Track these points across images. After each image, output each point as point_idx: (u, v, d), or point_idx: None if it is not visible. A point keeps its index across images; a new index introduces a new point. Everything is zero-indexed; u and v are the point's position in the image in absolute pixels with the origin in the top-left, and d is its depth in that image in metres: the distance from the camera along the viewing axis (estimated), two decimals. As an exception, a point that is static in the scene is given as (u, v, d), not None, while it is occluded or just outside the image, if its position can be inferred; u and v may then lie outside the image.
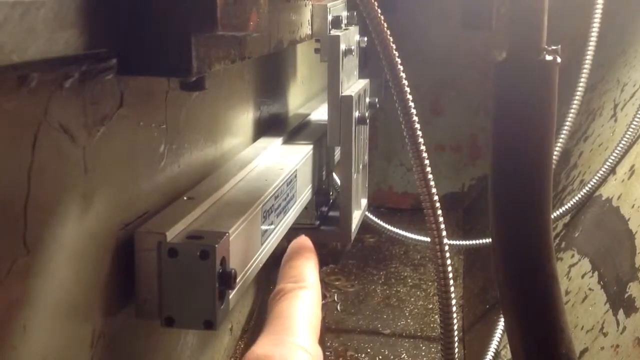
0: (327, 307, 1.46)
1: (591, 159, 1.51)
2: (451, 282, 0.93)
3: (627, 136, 1.34)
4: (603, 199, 1.31)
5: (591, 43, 1.53)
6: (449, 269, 0.91)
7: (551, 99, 0.60)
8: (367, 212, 1.38)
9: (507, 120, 0.61)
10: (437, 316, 1.66)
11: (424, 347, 1.50)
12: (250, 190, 0.87)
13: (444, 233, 0.91)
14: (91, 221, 0.62)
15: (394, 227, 1.75)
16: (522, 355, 0.61)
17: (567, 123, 1.52)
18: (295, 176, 1.00)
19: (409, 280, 1.86)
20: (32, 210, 0.53)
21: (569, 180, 1.56)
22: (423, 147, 0.89)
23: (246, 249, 0.78)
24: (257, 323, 1.02)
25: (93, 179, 0.62)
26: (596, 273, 1.12)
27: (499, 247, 0.63)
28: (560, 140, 1.51)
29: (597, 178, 1.35)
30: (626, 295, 0.97)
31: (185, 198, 0.78)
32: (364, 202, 1.30)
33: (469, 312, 1.61)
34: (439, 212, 0.90)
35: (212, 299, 0.67)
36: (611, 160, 1.34)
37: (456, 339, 0.93)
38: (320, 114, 1.36)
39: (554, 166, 1.46)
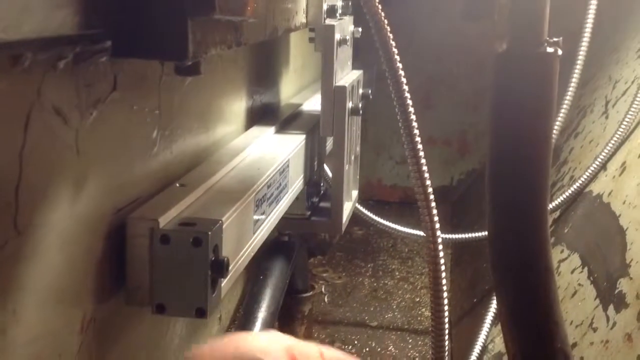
0: (314, 299, 1.46)
1: (582, 155, 1.51)
2: (443, 274, 0.92)
3: (619, 133, 1.34)
4: (594, 194, 1.31)
5: (584, 40, 1.52)
6: (442, 261, 0.91)
7: (551, 92, 0.59)
8: (356, 205, 1.38)
9: (506, 112, 0.61)
10: (424, 309, 1.66)
11: (410, 340, 1.50)
12: (243, 178, 0.86)
13: (437, 225, 0.91)
14: (83, 205, 0.61)
15: (382, 219, 1.74)
16: (516, 348, 0.61)
17: (559, 119, 1.52)
18: (288, 166, 1.00)
19: (397, 273, 1.86)
20: (23, 192, 0.52)
21: (559, 176, 1.56)
22: (418, 139, 0.89)
23: (238, 237, 0.77)
24: (245, 312, 1.01)
25: (85, 162, 0.61)
26: (586, 268, 1.11)
27: (495, 239, 0.63)
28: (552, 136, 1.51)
29: (587, 174, 1.35)
30: (616, 291, 0.97)
31: (177, 185, 0.77)
32: (354, 193, 1.30)
33: (456, 305, 1.61)
34: (433, 204, 0.89)
35: (204, 286, 0.67)
36: (602, 157, 1.34)
37: (447, 331, 0.93)
38: (312, 104, 1.35)
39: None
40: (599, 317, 0.97)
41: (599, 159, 1.35)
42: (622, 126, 1.34)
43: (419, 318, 1.61)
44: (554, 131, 1.50)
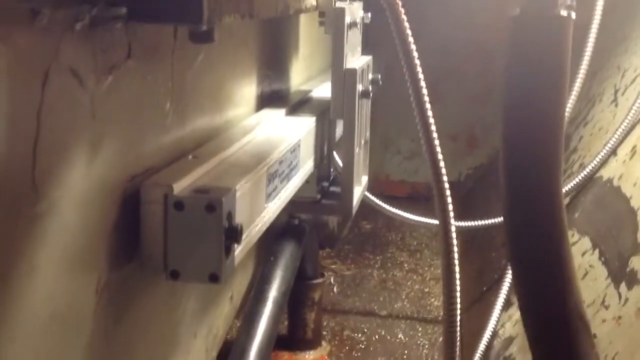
0: (323, 288, 1.46)
1: (591, 143, 1.51)
2: (456, 255, 0.93)
3: (629, 118, 1.34)
4: (604, 180, 1.31)
5: (592, 31, 1.52)
6: (455, 249, 0.91)
7: (565, 53, 0.60)
8: (366, 193, 1.37)
9: (520, 75, 0.61)
10: (433, 299, 1.65)
11: (420, 329, 1.50)
12: (256, 153, 0.86)
13: (451, 207, 0.91)
14: (98, 169, 0.61)
15: (389, 216, 1.74)
16: (531, 310, 0.61)
17: (567, 109, 1.52)
18: (299, 145, 1.00)
19: (406, 265, 1.86)
20: (40, 149, 0.52)
21: (568, 164, 1.56)
22: (430, 114, 0.89)
23: (251, 208, 0.77)
24: (256, 292, 1.02)
25: (101, 126, 0.61)
26: (597, 250, 1.11)
27: (508, 196, 0.63)
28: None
29: (597, 160, 1.35)
30: (628, 269, 0.97)
31: (190, 157, 0.78)
32: (364, 179, 1.30)
33: (466, 295, 1.61)
34: (446, 185, 0.89)
35: (219, 252, 0.67)
36: (612, 142, 1.34)
37: (459, 316, 0.93)
38: (322, 91, 1.35)
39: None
40: (611, 294, 0.97)
41: (609, 145, 1.35)
42: (632, 111, 1.34)
43: (428, 308, 1.61)
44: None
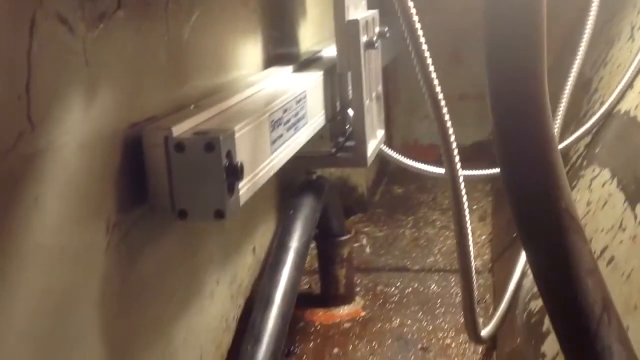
0: (356, 250, 1.48)
1: (611, 81, 1.49)
2: (466, 203, 0.94)
3: (643, 50, 1.32)
4: (622, 113, 1.30)
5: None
6: (463, 192, 0.93)
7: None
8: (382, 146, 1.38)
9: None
10: (466, 252, 1.66)
11: (453, 279, 1.50)
12: (259, 103, 0.88)
13: (457, 157, 0.93)
14: (96, 113, 0.64)
15: (421, 179, 1.74)
16: (519, 210, 0.62)
17: (580, 50, 1.50)
18: (305, 96, 1.02)
19: (438, 223, 1.86)
20: (34, 89, 0.55)
21: (590, 105, 1.55)
22: (432, 68, 0.90)
23: (255, 151, 0.79)
24: (278, 243, 1.04)
25: (95, 73, 0.64)
26: (615, 179, 1.11)
27: (494, 99, 0.64)
28: (574, 68, 1.49)
29: (615, 94, 1.34)
30: (644, 190, 0.97)
31: (192, 107, 0.80)
32: (380, 132, 1.31)
33: (498, 244, 1.62)
34: (452, 137, 0.90)
35: (221, 189, 0.69)
36: (629, 76, 1.33)
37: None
38: (331, 50, 1.36)
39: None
40: (628, 217, 0.97)
41: (626, 78, 1.34)
42: (647, 43, 1.33)
43: (460, 260, 1.61)
44: (577, 61, 1.49)
